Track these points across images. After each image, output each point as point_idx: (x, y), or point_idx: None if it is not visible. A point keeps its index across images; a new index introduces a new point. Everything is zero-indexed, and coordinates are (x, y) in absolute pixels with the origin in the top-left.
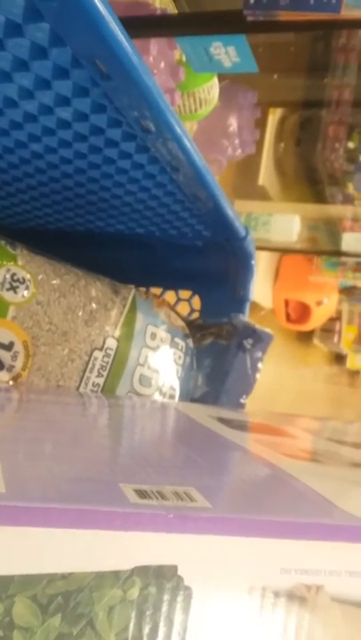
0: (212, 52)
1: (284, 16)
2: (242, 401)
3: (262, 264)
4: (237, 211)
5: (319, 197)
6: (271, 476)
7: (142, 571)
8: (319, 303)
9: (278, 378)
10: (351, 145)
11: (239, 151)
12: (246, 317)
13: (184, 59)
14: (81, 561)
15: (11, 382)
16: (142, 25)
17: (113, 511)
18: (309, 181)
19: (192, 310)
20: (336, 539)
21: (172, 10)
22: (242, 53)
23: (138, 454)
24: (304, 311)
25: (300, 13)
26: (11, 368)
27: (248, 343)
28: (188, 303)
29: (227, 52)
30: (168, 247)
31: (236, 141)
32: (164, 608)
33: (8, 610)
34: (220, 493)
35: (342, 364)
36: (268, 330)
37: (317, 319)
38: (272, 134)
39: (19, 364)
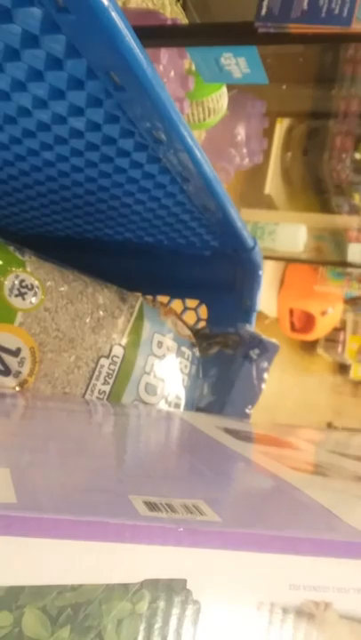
0: (223, 62)
1: (295, 29)
2: (247, 411)
3: (267, 273)
4: (243, 219)
5: (325, 207)
6: (278, 489)
7: (151, 584)
8: (324, 313)
9: (282, 387)
10: (358, 156)
11: (247, 160)
12: (253, 327)
13: (194, 68)
14: (91, 573)
15: (17, 388)
16: (154, 34)
17: (123, 524)
18: (316, 191)
19: (199, 319)
20: (344, 555)
21: (182, 19)
22: (252, 65)
23: (146, 465)
24: (308, 320)
25: (311, 26)
26: (17, 374)
27: (254, 353)
28: (194, 312)
29: (237, 62)
30: (176, 256)
31: (244, 150)
32: (173, 622)
33: (18, 620)
34: (229, 507)
35: (346, 374)
36: (274, 340)
37: (322, 329)
38: (279, 143)
39: (25, 370)
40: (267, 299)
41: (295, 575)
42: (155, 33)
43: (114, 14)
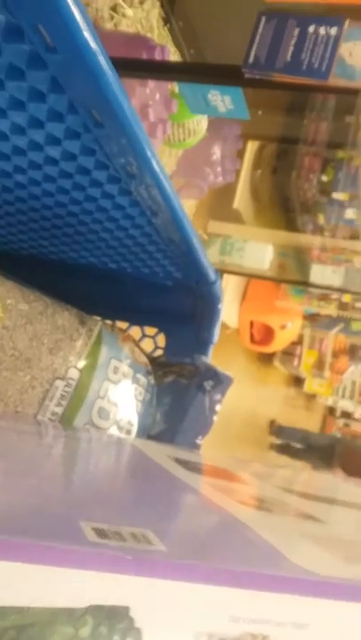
0: (210, 98)
1: (278, 77)
2: (198, 441)
3: (231, 285)
4: (211, 232)
5: (291, 225)
6: (225, 523)
7: (95, 610)
8: (283, 327)
9: (237, 396)
10: (325, 178)
11: (220, 179)
12: (209, 359)
13: (177, 91)
14: (36, 596)
15: None
16: (147, 68)
17: (72, 549)
18: (282, 209)
19: (156, 347)
20: (284, 590)
21: (168, 43)
22: (236, 102)
23: (96, 490)
24: (268, 333)
25: (292, 77)
26: None
27: (208, 385)
28: (153, 340)
29: (223, 99)
30: (138, 284)
31: (218, 169)
32: None
33: None
34: (176, 537)
35: (300, 387)
36: (228, 373)
37: (280, 342)
38: (250, 161)
39: None
40: (229, 310)
41: (235, 608)
42: (148, 67)
43: (100, 58)
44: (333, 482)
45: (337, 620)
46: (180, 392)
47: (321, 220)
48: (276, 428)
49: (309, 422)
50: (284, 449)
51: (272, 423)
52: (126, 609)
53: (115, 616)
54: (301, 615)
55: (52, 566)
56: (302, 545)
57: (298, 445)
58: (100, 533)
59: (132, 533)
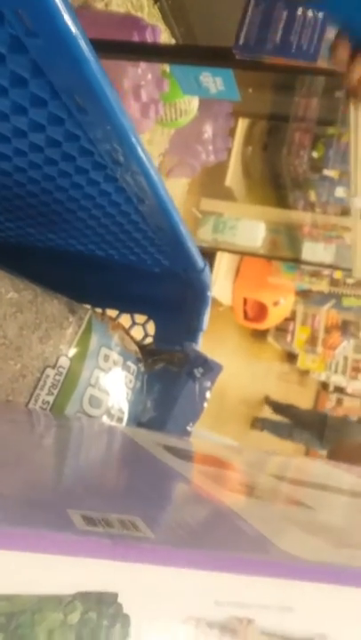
0: (202, 79)
1: (268, 59)
2: (188, 428)
3: (224, 263)
4: (204, 210)
5: (282, 201)
6: (213, 509)
7: (84, 596)
8: (276, 303)
9: (232, 372)
10: (315, 155)
11: (212, 157)
12: (198, 346)
13: (169, 71)
14: (25, 583)
15: None
16: (139, 50)
17: (61, 536)
18: (274, 185)
19: (146, 335)
20: (269, 574)
21: (161, 25)
22: (227, 84)
23: (85, 479)
24: (261, 310)
25: (282, 59)
26: None
27: (198, 372)
28: (142, 327)
29: (214, 81)
30: (126, 271)
31: (210, 147)
32: (103, 634)
33: None
34: (164, 524)
35: (293, 363)
36: (217, 361)
37: (273, 319)
38: (241, 138)
39: None
40: (222, 287)
41: (221, 592)
42: (140, 49)
43: (81, 42)
44: (323, 468)
45: (322, 603)
46: (170, 379)
47: (312, 196)
48: (272, 403)
49: (303, 397)
50: (270, 426)
51: (266, 398)
52: (115, 595)
53: (103, 602)
54: (286, 599)
55: (41, 554)
56: (290, 531)
57: (287, 421)
58: (89, 521)
59: (120, 520)
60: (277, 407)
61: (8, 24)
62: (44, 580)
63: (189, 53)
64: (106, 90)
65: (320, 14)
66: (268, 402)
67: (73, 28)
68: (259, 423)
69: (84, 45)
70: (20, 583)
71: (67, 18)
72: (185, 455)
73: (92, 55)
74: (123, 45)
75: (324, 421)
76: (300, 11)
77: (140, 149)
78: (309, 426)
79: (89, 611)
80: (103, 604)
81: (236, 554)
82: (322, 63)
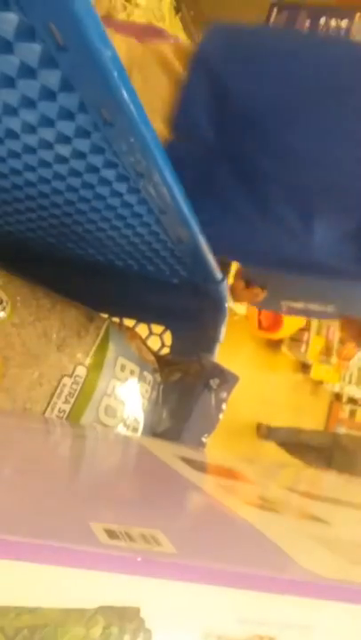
0: None
1: None
2: (203, 440)
3: None
4: None
5: None
6: (232, 524)
7: (106, 610)
8: None
9: (244, 382)
10: None
11: None
12: (215, 357)
13: None
14: (49, 596)
15: None
16: None
17: (84, 550)
18: None
19: (163, 345)
20: (291, 593)
21: (182, 36)
22: None
23: (105, 490)
24: (275, 320)
25: None
26: None
27: (214, 383)
28: (159, 338)
29: None
30: (145, 282)
31: None
32: None
33: None
34: (185, 539)
35: (307, 374)
36: (234, 372)
37: (288, 328)
38: None
39: None
40: None
41: (243, 609)
42: None
43: (110, 58)
44: (338, 482)
45: (342, 622)
46: (187, 390)
47: None
48: (265, 431)
49: (316, 408)
50: (277, 436)
51: (259, 427)
52: (137, 610)
53: (126, 617)
54: (308, 617)
55: (65, 567)
56: (308, 547)
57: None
58: (111, 534)
59: (141, 534)
60: (275, 435)
61: (39, 39)
62: (67, 594)
63: None
64: (133, 104)
65: (343, 23)
66: (262, 430)
67: (103, 43)
68: (264, 430)
69: (113, 60)
70: (43, 596)
71: (97, 33)
72: (201, 467)
73: (121, 70)
74: None
75: (336, 442)
76: (322, 20)
77: (163, 162)
78: (316, 449)
79: (111, 625)
80: (125, 619)
81: (259, 571)
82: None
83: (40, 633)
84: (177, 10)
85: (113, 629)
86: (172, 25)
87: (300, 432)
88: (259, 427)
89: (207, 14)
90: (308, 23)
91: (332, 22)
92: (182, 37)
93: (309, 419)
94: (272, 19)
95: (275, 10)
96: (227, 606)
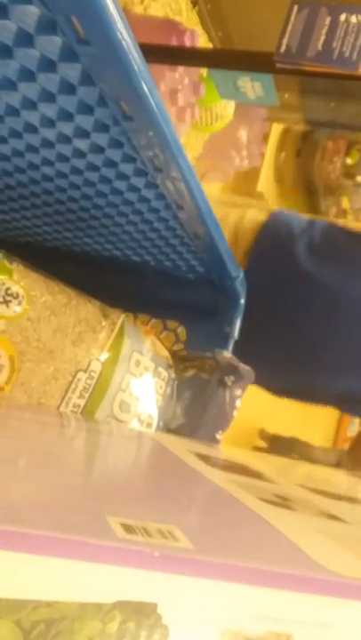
0: (240, 84)
1: (309, 67)
2: (217, 436)
3: None
4: None
5: (314, 208)
6: (248, 521)
7: (124, 605)
8: None
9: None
10: (350, 161)
11: (246, 162)
12: (230, 354)
13: (206, 75)
14: (66, 590)
15: None
16: (178, 54)
17: (101, 545)
18: (306, 191)
19: (177, 341)
20: (309, 590)
21: (198, 28)
22: (266, 89)
23: (120, 485)
24: None
25: (323, 66)
26: None
27: (229, 380)
28: (174, 333)
29: (253, 86)
30: (160, 277)
31: (244, 153)
32: None
33: None
34: (202, 535)
35: None
36: (249, 368)
37: None
38: (274, 143)
39: (2, 377)
40: None
41: (261, 606)
42: (179, 54)
43: (132, 51)
44: (354, 480)
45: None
46: (201, 386)
47: (345, 203)
48: (269, 439)
49: (325, 412)
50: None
51: (262, 433)
52: (154, 605)
53: (142, 612)
54: (326, 615)
55: (82, 561)
56: (325, 544)
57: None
58: (128, 529)
59: (158, 529)
60: (278, 443)
61: (60, 31)
62: (84, 588)
63: (228, 58)
64: (154, 98)
65: None
66: (265, 437)
67: (125, 37)
68: (266, 438)
69: (136, 54)
70: (60, 590)
71: (120, 26)
72: (216, 463)
73: (143, 64)
74: (161, 50)
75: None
76: (343, 17)
77: (181, 156)
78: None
79: (128, 620)
80: (142, 614)
81: (277, 568)
82: None
83: (56, 627)
84: (194, 3)
85: (130, 625)
86: (189, 19)
87: (308, 447)
88: (261, 433)
89: (224, 8)
90: (328, 21)
91: (353, 19)
92: (199, 31)
93: (317, 418)
94: (292, 16)
95: (295, 7)
96: (244, 603)
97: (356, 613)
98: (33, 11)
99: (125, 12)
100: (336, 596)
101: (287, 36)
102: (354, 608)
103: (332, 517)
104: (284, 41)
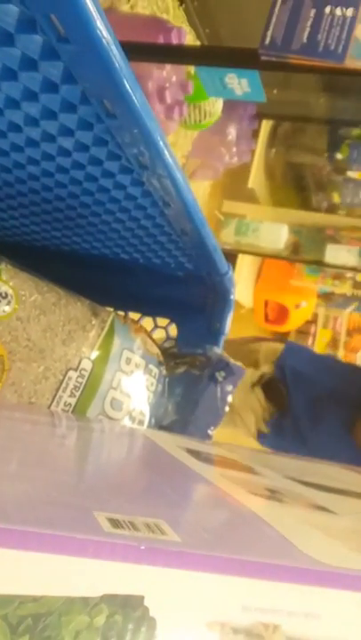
0: (227, 81)
1: (295, 60)
2: (209, 432)
3: (246, 265)
4: (226, 212)
5: (305, 204)
6: (237, 513)
7: (110, 599)
8: (297, 306)
9: None
10: (340, 156)
11: (235, 159)
12: (220, 350)
13: (193, 73)
14: (53, 585)
15: None
16: (165, 52)
17: (88, 539)
18: (297, 187)
19: (168, 338)
20: (296, 581)
21: (185, 26)
22: (253, 85)
23: (109, 481)
24: (282, 313)
25: (308, 59)
26: None
27: (220, 375)
28: (164, 330)
29: (240, 82)
30: (150, 274)
31: (234, 150)
32: (128, 637)
33: None
34: (189, 528)
35: None
36: (239, 364)
37: (294, 321)
38: (264, 140)
39: None
40: (244, 289)
41: (248, 597)
42: (165, 51)
43: (113, 49)
44: (345, 473)
45: (349, 610)
46: (192, 383)
47: (336, 198)
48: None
49: None
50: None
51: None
52: (141, 598)
53: (129, 605)
54: (313, 605)
55: (68, 556)
56: (314, 536)
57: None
58: (115, 523)
59: (145, 523)
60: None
61: (40, 30)
62: (70, 582)
63: (215, 55)
64: (136, 96)
65: (349, 11)
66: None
67: (105, 34)
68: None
69: (116, 52)
70: (47, 585)
71: (99, 24)
72: (207, 458)
73: (123, 62)
74: (148, 48)
75: None
76: (328, 9)
77: (166, 153)
78: None
79: (115, 614)
80: (129, 607)
81: (264, 559)
82: (350, 63)
83: (44, 621)
84: (181, 1)
85: (117, 618)
86: (176, 16)
87: None
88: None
89: (211, 5)
90: (313, 13)
91: (338, 11)
92: (186, 28)
93: None
94: (276, 9)
95: (279, 0)
96: (231, 594)
97: (344, 603)
98: (12, 9)
99: (112, 10)
100: (324, 586)
101: (271, 27)
102: (341, 597)
103: (322, 509)
104: (269, 33)
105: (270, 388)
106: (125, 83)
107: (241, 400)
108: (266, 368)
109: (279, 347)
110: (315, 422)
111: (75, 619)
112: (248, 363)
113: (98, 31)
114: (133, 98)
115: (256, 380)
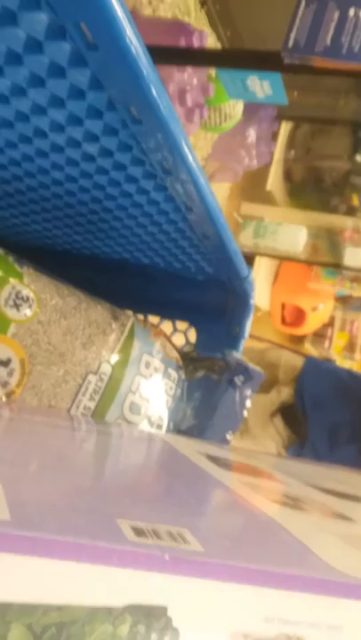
0: (249, 83)
1: (318, 62)
2: (227, 437)
3: (263, 267)
4: (246, 214)
5: (323, 206)
6: (258, 522)
7: (134, 609)
8: (315, 309)
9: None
10: (359, 158)
11: (255, 162)
12: (240, 354)
13: (214, 75)
14: (77, 594)
15: (3, 398)
16: (187, 55)
17: (112, 548)
18: (315, 189)
19: (187, 342)
20: (320, 592)
21: (206, 28)
22: (275, 88)
23: (131, 487)
24: (299, 315)
25: (332, 61)
26: (5, 384)
27: (239, 380)
28: (184, 335)
29: (261, 85)
30: (170, 278)
31: (254, 152)
32: None
33: (4, 635)
34: (212, 537)
35: None
36: (258, 368)
37: (311, 324)
38: (283, 142)
39: (13, 380)
40: (260, 292)
41: (271, 608)
42: (187, 55)
43: (142, 56)
44: (356, 477)
45: None
46: (211, 387)
47: (355, 200)
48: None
49: None
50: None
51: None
52: (164, 608)
53: (153, 615)
54: (336, 617)
55: (93, 564)
56: (335, 545)
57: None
58: (138, 532)
59: (168, 532)
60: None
61: (69, 38)
62: (94, 591)
63: (237, 57)
64: (163, 102)
65: None
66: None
67: (135, 43)
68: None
69: (145, 60)
70: (70, 593)
71: (129, 32)
72: (226, 464)
73: (151, 69)
74: (170, 51)
75: None
76: (352, 11)
77: (190, 158)
78: None
79: (138, 623)
80: (152, 617)
81: (287, 570)
82: None
83: (67, 630)
84: (202, 4)
85: (140, 628)
86: (198, 19)
87: None
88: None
89: (233, 8)
90: (336, 15)
91: None
92: (207, 31)
93: None
94: (300, 11)
95: (303, 2)
96: (254, 605)
97: None
98: (42, 18)
99: (134, 14)
100: (347, 598)
101: (295, 30)
102: None
103: (343, 517)
104: (292, 35)
105: (289, 416)
106: (153, 90)
107: (261, 429)
108: (285, 392)
109: (299, 362)
110: (331, 449)
111: (98, 628)
112: (267, 377)
113: (127, 40)
114: (160, 105)
115: (275, 409)
